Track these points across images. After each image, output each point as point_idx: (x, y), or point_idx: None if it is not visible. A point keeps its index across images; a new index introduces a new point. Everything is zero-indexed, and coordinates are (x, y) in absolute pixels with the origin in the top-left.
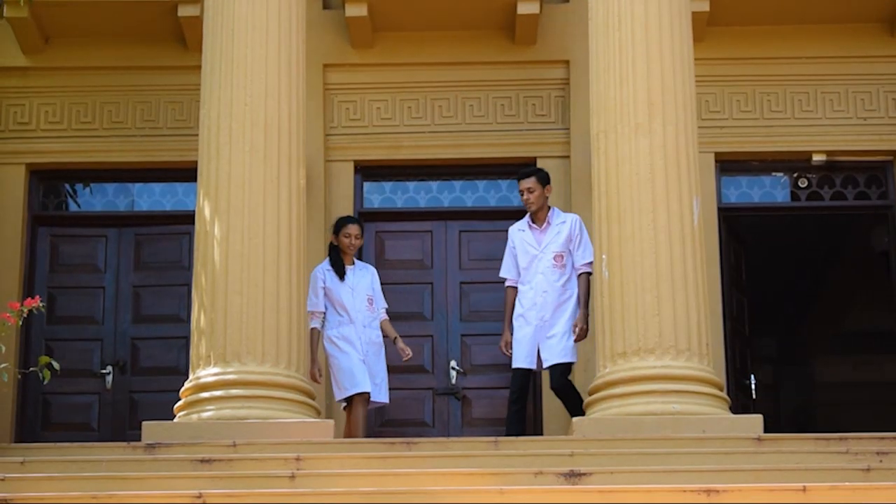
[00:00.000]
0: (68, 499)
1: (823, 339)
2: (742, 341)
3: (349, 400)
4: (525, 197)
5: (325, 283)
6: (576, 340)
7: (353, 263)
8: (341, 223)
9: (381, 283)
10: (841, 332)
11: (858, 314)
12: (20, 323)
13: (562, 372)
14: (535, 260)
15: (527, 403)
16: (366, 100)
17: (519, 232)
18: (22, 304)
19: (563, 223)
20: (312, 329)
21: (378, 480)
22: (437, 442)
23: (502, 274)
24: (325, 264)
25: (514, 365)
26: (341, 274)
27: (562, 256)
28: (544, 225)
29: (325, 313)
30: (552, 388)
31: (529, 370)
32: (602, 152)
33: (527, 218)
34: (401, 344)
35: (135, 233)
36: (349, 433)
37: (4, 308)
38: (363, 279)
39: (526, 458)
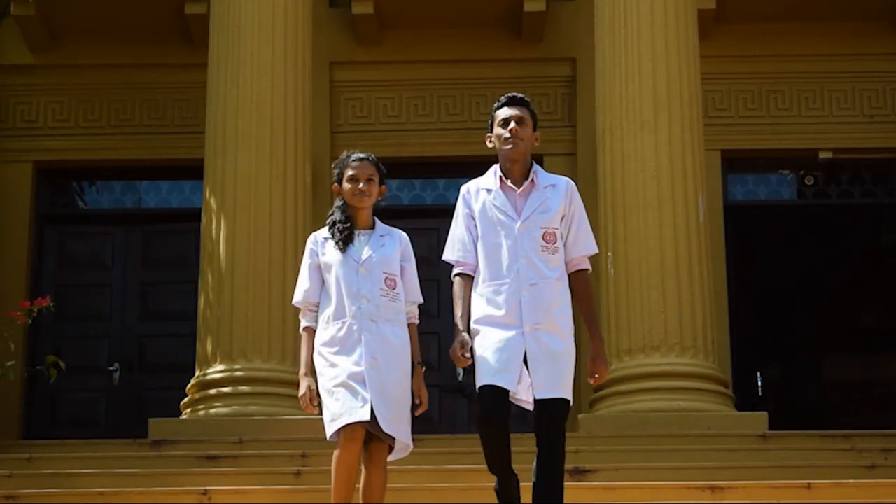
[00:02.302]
0: (75, 495)
1: (830, 337)
2: (748, 339)
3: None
4: (511, 128)
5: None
6: (596, 385)
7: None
8: None
9: None
10: (848, 330)
11: (865, 312)
12: (29, 321)
13: (564, 411)
14: (511, 236)
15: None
16: (372, 97)
17: (483, 192)
18: (32, 304)
19: (552, 187)
20: None
21: None
22: (444, 439)
23: (452, 257)
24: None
25: (487, 382)
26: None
27: (554, 234)
28: (526, 184)
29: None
30: (542, 432)
31: (507, 393)
32: (608, 149)
33: (495, 172)
34: (419, 377)
35: (142, 230)
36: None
37: (13, 306)
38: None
39: (532, 455)
